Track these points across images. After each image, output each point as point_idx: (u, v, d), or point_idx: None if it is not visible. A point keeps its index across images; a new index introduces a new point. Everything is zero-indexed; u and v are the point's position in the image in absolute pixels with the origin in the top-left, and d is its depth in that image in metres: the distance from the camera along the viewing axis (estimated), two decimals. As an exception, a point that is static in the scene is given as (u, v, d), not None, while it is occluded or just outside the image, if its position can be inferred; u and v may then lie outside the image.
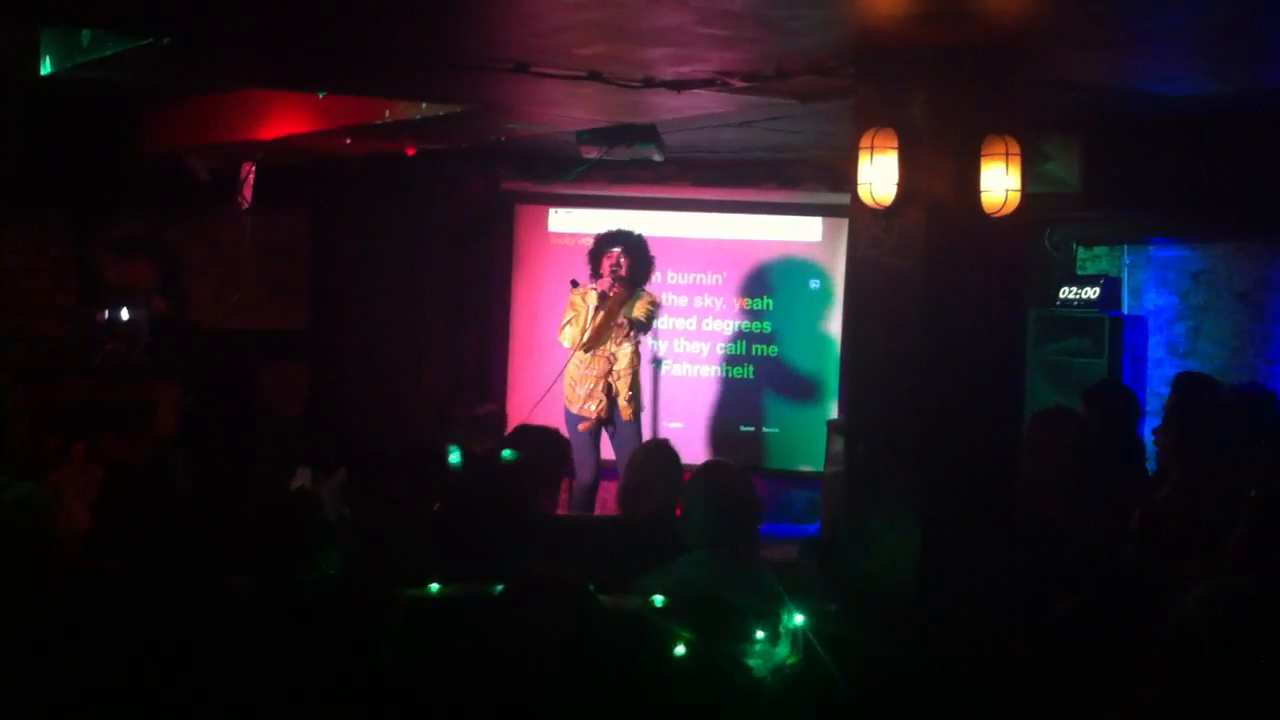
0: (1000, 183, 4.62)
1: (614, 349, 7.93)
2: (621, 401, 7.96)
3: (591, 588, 3.56)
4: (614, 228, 8.15)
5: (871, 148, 4.63)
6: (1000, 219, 4.64)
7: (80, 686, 3.83)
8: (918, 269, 4.55)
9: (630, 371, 7.98)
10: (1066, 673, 3.71)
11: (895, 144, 4.62)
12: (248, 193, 8.37)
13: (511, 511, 5.27)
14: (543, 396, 8.07)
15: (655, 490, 5.09)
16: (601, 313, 7.78)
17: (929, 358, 4.55)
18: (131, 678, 3.82)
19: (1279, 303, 7.50)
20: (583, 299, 7.90)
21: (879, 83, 4.74)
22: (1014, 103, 4.72)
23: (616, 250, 7.90)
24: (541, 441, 5.71)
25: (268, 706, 3.73)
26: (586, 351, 7.88)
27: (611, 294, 7.85)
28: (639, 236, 8.07)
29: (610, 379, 7.92)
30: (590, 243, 8.18)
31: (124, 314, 8.58)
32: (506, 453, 5.35)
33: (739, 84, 5.37)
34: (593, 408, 7.91)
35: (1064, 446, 4.87)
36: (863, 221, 4.73)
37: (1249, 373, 7.57)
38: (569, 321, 7.91)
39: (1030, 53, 4.72)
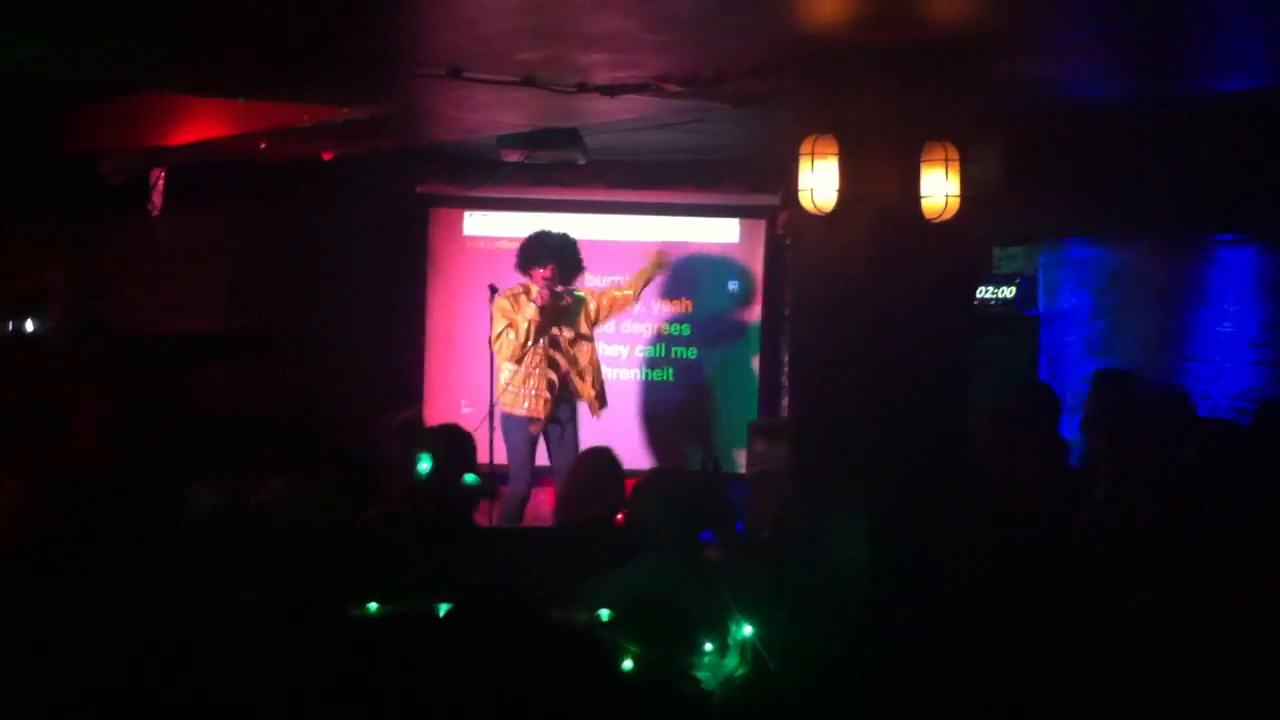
0: (940, 188, 4.65)
1: (571, 351, 7.93)
2: (590, 396, 7.98)
3: (539, 600, 3.54)
4: (540, 229, 8.05)
5: (812, 154, 4.64)
6: (941, 223, 4.68)
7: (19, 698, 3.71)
8: (863, 273, 4.57)
9: (593, 368, 7.98)
10: (1020, 670, 3.75)
11: (835, 150, 4.64)
12: (157, 199, 8.17)
13: (449, 522, 5.21)
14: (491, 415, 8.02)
15: (599, 497, 5.08)
16: (534, 326, 7.75)
17: (875, 363, 4.57)
18: (67, 699, 3.71)
19: (1194, 301, 7.63)
20: (516, 307, 7.81)
21: (819, 88, 4.75)
22: (955, 106, 4.76)
23: (551, 265, 7.80)
24: (455, 442, 5.65)
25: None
26: (519, 364, 7.82)
27: (557, 303, 7.85)
28: (566, 243, 7.97)
29: (563, 377, 7.90)
30: (517, 246, 8.09)
31: (28, 323, 8.33)
32: (469, 478, 5.29)
33: (674, 89, 5.36)
34: (539, 406, 7.86)
35: (1024, 448, 4.93)
36: (805, 228, 4.74)
37: (1164, 371, 7.70)
38: (504, 331, 7.82)
39: (967, 57, 4.76)
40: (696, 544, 4.52)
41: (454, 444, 5.67)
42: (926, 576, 4.50)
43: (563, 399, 7.94)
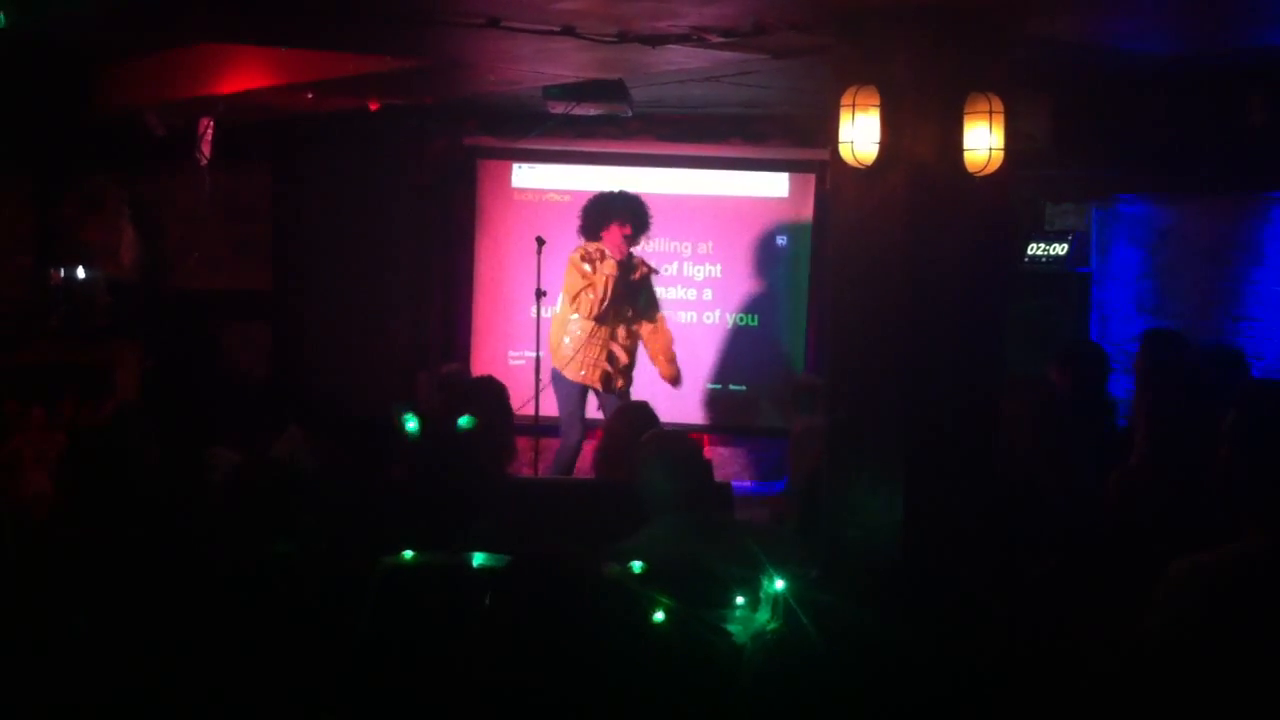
0: (984, 141, 4.56)
1: (637, 328, 7.96)
2: (670, 374, 8.05)
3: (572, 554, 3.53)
4: (604, 191, 8.08)
5: (853, 106, 4.56)
6: (984, 178, 4.59)
7: (48, 652, 3.76)
8: (901, 231, 4.49)
9: (664, 345, 8.01)
10: (1045, 635, 3.71)
11: (877, 102, 4.55)
12: (206, 149, 8.19)
13: (473, 476, 5.21)
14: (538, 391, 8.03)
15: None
16: (611, 280, 7.74)
17: (912, 321, 4.50)
18: (101, 647, 3.76)
19: (1245, 260, 7.51)
20: (595, 266, 7.80)
21: (860, 39, 4.66)
22: (997, 60, 4.66)
23: (630, 224, 7.82)
24: (489, 398, 5.64)
25: (242, 677, 3.68)
26: (599, 323, 7.82)
27: (632, 264, 7.87)
28: (637, 201, 8.00)
29: (614, 346, 7.90)
30: (566, 200, 8.13)
31: (79, 274, 8.40)
32: (463, 420, 5.29)
33: (716, 40, 5.29)
34: (595, 376, 7.88)
35: (1041, 408, 4.85)
36: (844, 183, 4.66)
37: (1215, 330, 7.59)
38: (584, 289, 7.80)
39: (1012, 9, 4.66)
40: (710, 505, 4.52)
41: (491, 395, 5.67)
42: (958, 541, 4.47)
43: (621, 374, 7.95)
